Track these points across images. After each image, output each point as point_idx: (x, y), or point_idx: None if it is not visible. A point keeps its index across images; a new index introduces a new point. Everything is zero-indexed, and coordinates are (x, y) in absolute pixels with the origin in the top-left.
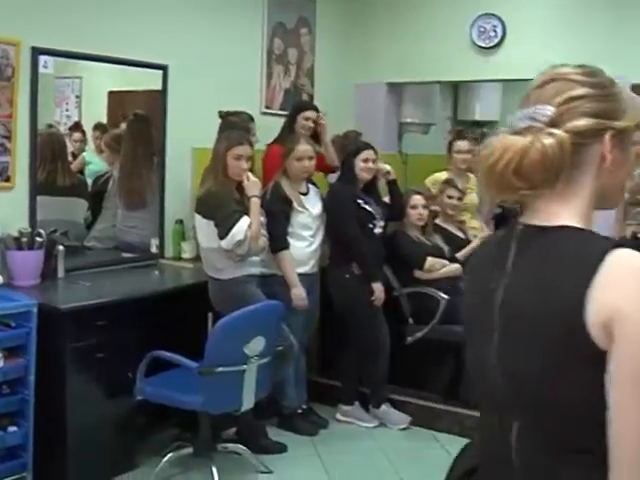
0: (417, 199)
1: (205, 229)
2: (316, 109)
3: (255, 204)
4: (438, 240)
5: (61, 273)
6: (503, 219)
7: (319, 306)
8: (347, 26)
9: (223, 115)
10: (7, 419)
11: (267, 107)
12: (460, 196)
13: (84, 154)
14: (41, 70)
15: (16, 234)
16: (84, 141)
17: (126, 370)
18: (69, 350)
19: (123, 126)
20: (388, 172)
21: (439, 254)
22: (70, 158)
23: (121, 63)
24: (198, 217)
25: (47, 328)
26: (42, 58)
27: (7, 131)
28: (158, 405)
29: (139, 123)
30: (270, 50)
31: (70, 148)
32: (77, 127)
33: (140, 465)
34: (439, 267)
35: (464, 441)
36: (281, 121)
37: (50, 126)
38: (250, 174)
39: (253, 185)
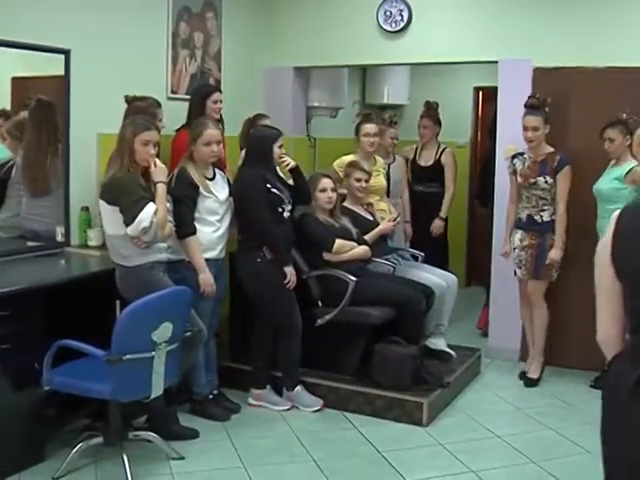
0: (326, 182)
1: (110, 216)
2: (220, 91)
3: (162, 190)
4: (346, 222)
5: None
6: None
7: (228, 291)
8: (254, 10)
9: (129, 100)
10: None
11: (173, 92)
12: (367, 178)
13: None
14: None
15: None
16: None
17: (32, 361)
18: None
19: (25, 113)
20: (286, 163)
21: (348, 236)
22: None
23: (22, 47)
24: (103, 203)
25: None
26: None
27: None
28: (67, 395)
29: (42, 109)
30: (175, 34)
31: None
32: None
33: (50, 457)
34: (348, 249)
35: (376, 421)
36: (187, 105)
37: None
38: (157, 160)
39: (160, 171)
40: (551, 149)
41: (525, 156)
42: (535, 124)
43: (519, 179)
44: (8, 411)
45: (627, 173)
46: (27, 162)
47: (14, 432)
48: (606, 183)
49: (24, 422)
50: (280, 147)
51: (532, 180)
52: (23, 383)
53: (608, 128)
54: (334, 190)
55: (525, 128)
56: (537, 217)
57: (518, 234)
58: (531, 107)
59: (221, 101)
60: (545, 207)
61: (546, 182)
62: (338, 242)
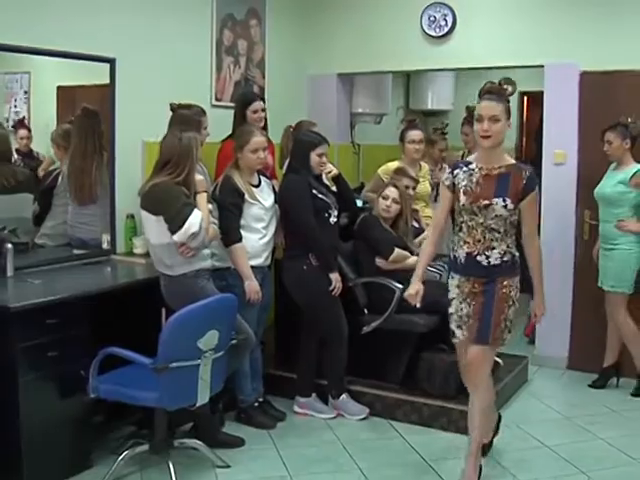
0: (390, 191)
1: (154, 225)
2: (262, 99)
3: (202, 198)
4: (410, 239)
5: (10, 272)
6: None
7: (274, 298)
8: (298, 17)
9: (174, 108)
10: None
11: (217, 99)
12: (414, 185)
13: (51, 153)
14: None
15: None
16: (30, 138)
17: (79, 368)
18: (20, 349)
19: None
20: (328, 170)
21: (403, 245)
22: (16, 156)
23: (68, 57)
24: (145, 214)
25: None
26: None
27: None
28: (113, 403)
29: (88, 118)
30: (219, 41)
31: (15, 145)
32: (22, 124)
33: (96, 464)
34: (402, 259)
35: (423, 430)
36: (232, 113)
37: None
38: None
39: (198, 183)
40: (512, 160)
41: (474, 167)
42: (493, 112)
43: (463, 199)
44: (55, 418)
45: (632, 176)
46: (73, 170)
47: (61, 439)
48: (610, 187)
49: (71, 429)
50: (320, 155)
51: (484, 202)
52: (70, 390)
53: (608, 131)
54: (396, 202)
55: (479, 119)
56: (481, 257)
57: (455, 280)
58: (489, 92)
59: (263, 109)
60: (495, 244)
61: (505, 207)
62: (397, 252)
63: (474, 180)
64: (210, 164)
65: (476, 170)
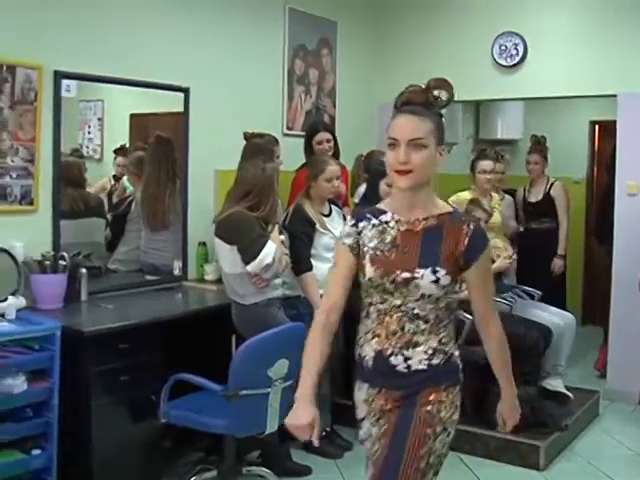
0: None
1: (228, 254)
2: (329, 130)
3: (274, 228)
4: None
5: (84, 296)
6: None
7: (342, 327)
8: (368, 47)
9: (247, 137)
10: (31, 442)
11: (289, 128)
12: (487, 218)
13: (124, 179)
14: (64, 94)
15: (39, 257)
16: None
17: (150, 393)
18: (93, 373)
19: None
20: None
21: None
22: (112, 182)
23: (143, 86)
24: (219, 242)
25: (71, 351)
26: (64, 82)
27: (30, 155)
28: (182, 428)
29: (161, 145)
30: (291, 71)
31: (112, 172)
32: (121, 151)
33: None
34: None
35: (490, 463)
36: (302, 142)
37: (76, 150)
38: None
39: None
40: (448, 207)
41: (388, 218)
42: (415, 134)
43: (371, 270)
44: (126, 442)
45: None
46: (146, 197)
47: (131, 463)
48: None
49: (141, 454)
50: (390, 185)
51: (403, 275)
52: (141, 415)
53: None
54: None
55: (393, 143)
56: (397, 359)
57: (362, 392)
58: (408, 103)
59: (328, 140)
60: (419, 338)
61: (436, 282)
62: None
63: (388, 240)
64: (282, 193)
65: (391, 224)
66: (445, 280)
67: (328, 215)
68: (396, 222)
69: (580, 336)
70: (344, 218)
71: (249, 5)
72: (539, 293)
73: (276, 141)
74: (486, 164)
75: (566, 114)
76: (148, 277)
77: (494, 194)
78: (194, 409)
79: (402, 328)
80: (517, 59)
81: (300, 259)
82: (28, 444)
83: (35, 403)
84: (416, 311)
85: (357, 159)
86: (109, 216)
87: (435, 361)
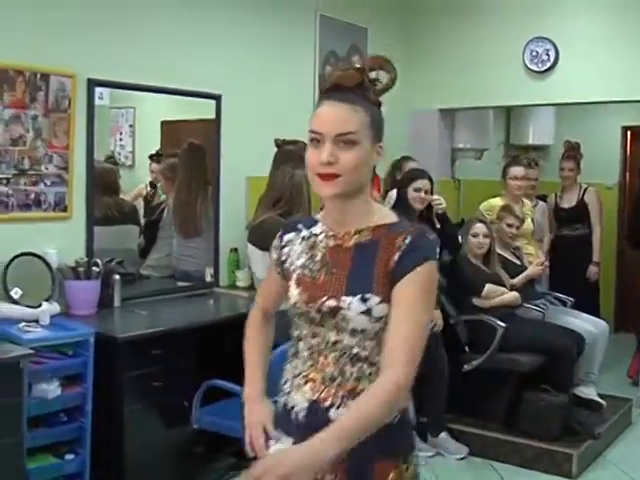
0: (479, 227)
1: (260, 260)
2: None
3: None
4: (499, 269)
5: (117, 302)
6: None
7: None
8: (398, 53)
9: (279, 144)
10: (65, 447)
11: None
12: (519, 225)
13: (159, 185)
14: (97, 101)
15: (73, 264)
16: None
17: (182, 399)
18: (126, 379)
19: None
20: (439, 204)
21: (498, 282)
22: (148, 188)
23: (175, 93)
24: (252, 248)
25: (104, 357)
26: (98, 90)
27: (64, 162)
28: (214, 434)
29: (193, 152)
30: (322, 77)
31: (146, 178)
32: (157, 157)
33: None
34: (498, 294)
35: (524, 472)
36: None
37: (110, 157)
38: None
39: None
40: (391, 216)
41: (318, 230)
42: (343, 127)
43: (295, 293)
44: (158, 448)
45: None
46: (178, 204)
47: (163, 469)
48: None
49: (173, 459)
50: (418, 190)
51: (329, 303)
52: (173, 421)
53: None
54: (486, 236)
55: (315, 138)
56: (338, 414)
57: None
58: (337, 88)
59: None
60: (368, 387)
61: (367, 313)
62: (488, 287)
63: (318, 257)
64: (314, 199)
65: (321, 237)
66: (380, 310)
67: None
68: (326, 236)
69: (613, 343)
70: None
71: (280, 12)
72: (571, 300)
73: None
74: (517, 170)
75: (598, 119)
76: (180, 283)
77: (526, 200)
78: (226, 415)
79: (342, 372)
80: (548, 64)
81: None
82: (62, 449)
83: (69, 408)
84: (355, 350)
85: (391, 165)
86: (143, 222)
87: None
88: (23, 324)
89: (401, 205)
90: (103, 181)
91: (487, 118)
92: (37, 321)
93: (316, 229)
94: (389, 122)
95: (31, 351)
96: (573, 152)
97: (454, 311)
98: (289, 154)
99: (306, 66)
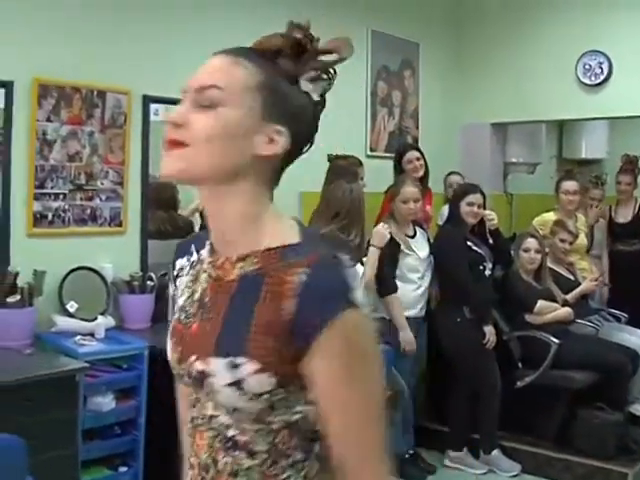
0: (530, 242)
1: None
2: (417, 149)
3: (373, 253)
4: (550, 284)
5: (171, 316)
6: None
7: (426, 350)
8: (450, 68)
9: (332, 159)
10: (119, 459)
11: (372, 150)
12: (572, 240)
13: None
14: (152, 117)
15: (128, 278)
16: None
17: None
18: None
19: None
20: (491, 219)
21: (550, 298)
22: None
23: None
24: None
25: (158, 370)
26: (153, 106)
27: (119, 177)
28: None
29: None
30: (374, 93)
31: None
32: None
33: None
34: (550, 310)
35: None
36: (386, 163)
37: None
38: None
39: (376, 235)
40: (289, 237)
41: (204, 256)
42: (207, 79)
43: (168, 348)
44: None
45: None
46: None
47: None
48: None
49: None
50: (471, 204)
51: (198, 367)
52: None
53: None
54: (538, 252)
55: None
56: None
57: None
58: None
59: (418, 158)
60: (239, 473)
61: (237, 384)
62: (540, 303)
63: (198, 294)
64: (371, 214)
65: (205, 264)
66: (257, 384)
67: (413, 236)
68: (210, 262)
69: None
70: (428, 240)
71: (332, 28)
72: (625, 316)
73: (360, 163)
74: (570, 185)
75: None
76: None
77: (579, 215)
78: None
79: (214, 461)
80: (602, 78)
81: (385, 281)
82: (115, 461)
83: (123, 421)
84: (231, 433)
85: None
86: None
87: None
88: (79, 337)
89: (454, 220)
90: (161, 195)
91: (540, 132)
92: (92, 334)
93: (204, 252)
94: (440, 136)
95: (86, 364)
96: (631, 166)
97: (507, 327)
98: (342, 169)
99: (358, 82)
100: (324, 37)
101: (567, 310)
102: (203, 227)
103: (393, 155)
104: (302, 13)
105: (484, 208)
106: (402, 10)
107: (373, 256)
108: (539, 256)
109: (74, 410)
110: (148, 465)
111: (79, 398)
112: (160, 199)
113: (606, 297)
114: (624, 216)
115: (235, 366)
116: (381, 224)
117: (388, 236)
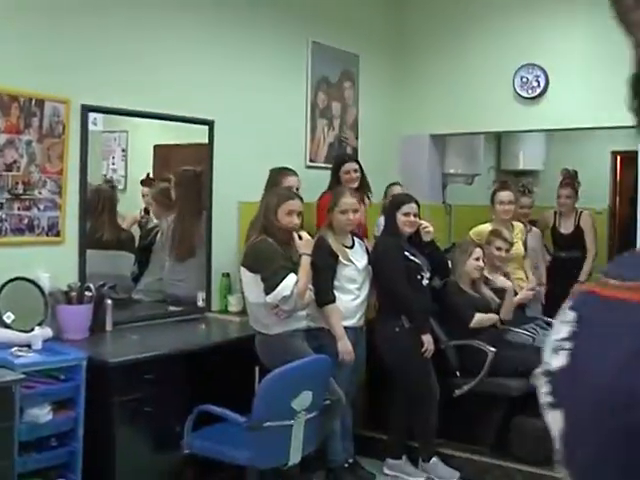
0: (479, 252)
1: (252, 283)
2: (355, 161)
3: (306, 262)
4: (487, 292)
5: (109, 326)
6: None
7: (365, 359)
8: (390, 79)
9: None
10: (55, 472)
11: (311, 160)
12: (508, 248)
13: (151, 210)
14: (91, 127)
15: (66, 288)
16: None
17: (174, 424)
18: (117, 403)
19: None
20: (427, 229)
21: (487, 307)
22: (142, 214)
23: (168, 119)
24: (244, 270)
25: (96, 381)
26: (92, 115)
27: (57, 187)
28: (206, 459)
29: (186, 177)
30: (314, 104)
31: (138, 202)
32: (146, 181)
33: None
34: (487, 321)
35: None
36: (325, 174)
37: (108, 181)
38: (304, 233)
39: (306, 244)
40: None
41: None
42: None
43: None
44: (149, 472)
45: None
46: (174, 228)
47: None
48: None
49: None
50: (407, 214)
51: None
52: (164, 446)
53: None
54: (484, 261)
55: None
56: None
57: None
58: None
59: (355, 170)
60: None
61: None
62: (477, 317)
63: None
64: (308, 224)
65: None
66: None
67: (351, 247)
68: None
69: None
70: (366, 250)
71: (273, 39)
72: None
73: (294, 173)
74: (504, 195)
75: (587, 144)
76: (172, 308)
77: (516, 224)
78: (218, 440)
79: None
80: (538, 91)
81: (323, 291)
82: (52, 473)
83: (60, 433)
84: None
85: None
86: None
87: None
88: (15, 349)
89: (390, 230)
90: (100, 201)
91: (478, 143)
92: (29, 346)
93: None
94: (380, 148)
95: (23, 376)
96: (570, 180)
97: (444, 336)
98: (268, 181)
99: (298, 92)
100: (265, 46)
101: (493, 316)
102: (142, 236)
103: (332, 165)
104: (244, 20)
105: (419, 218)
106: (343, 22)
107: (306, 264)
108: (483, 264)
109: (10, 422)
110: (86, 478)
111: (15, 410)
112: (101, 205)
113: (542, 297)
114: (566, 227)
115: None
116: (303, 232)
117: (312, 242)
